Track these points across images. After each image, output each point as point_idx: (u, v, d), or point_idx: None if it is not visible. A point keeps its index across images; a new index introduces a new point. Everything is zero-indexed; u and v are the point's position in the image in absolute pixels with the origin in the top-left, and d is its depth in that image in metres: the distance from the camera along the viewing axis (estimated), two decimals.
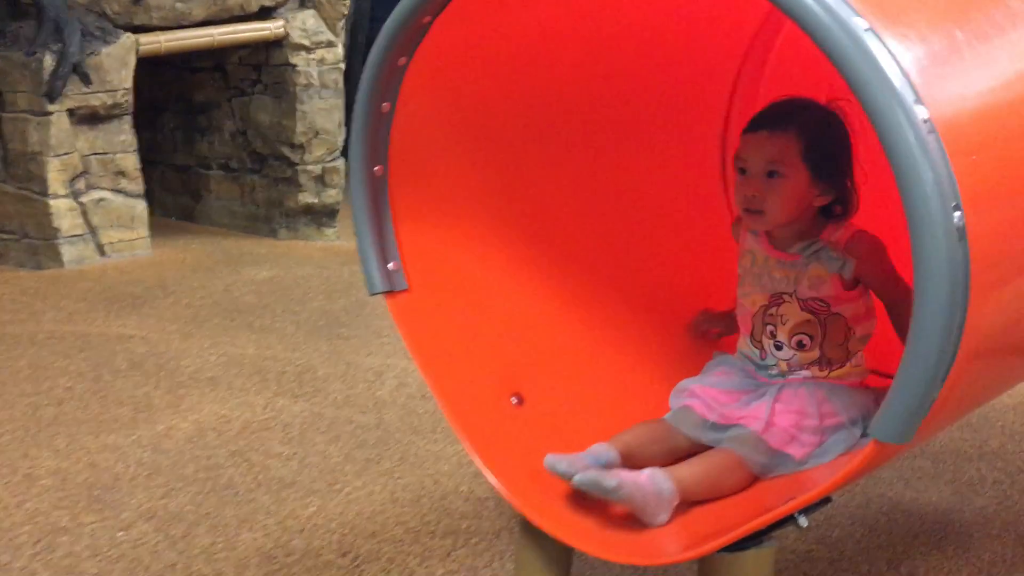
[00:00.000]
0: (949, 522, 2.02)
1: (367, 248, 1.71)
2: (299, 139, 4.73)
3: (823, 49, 1.07)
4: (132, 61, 4.09)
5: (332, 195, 4.88)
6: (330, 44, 4.75)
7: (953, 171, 1.04)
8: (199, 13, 4.27)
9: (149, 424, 2.41)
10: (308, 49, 4.69)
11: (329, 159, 4.85)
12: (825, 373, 1.63)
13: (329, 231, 4.95)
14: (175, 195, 5.15)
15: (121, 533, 1.89)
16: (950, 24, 1.20)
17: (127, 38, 4.06)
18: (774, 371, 1.65)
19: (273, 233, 4.89)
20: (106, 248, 4.09)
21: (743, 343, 1.70)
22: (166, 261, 4.19)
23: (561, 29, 1.71)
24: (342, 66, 4.83)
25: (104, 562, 1.79)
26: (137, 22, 4.12)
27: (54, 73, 3.83)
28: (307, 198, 4.82)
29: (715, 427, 1.60)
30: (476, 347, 1.75)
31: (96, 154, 4.06)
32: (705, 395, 1.65)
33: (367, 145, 1.67)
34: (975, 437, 2.38)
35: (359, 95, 1.63)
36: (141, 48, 4.12)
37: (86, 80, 3.92)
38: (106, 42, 4.00)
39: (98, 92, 3.98)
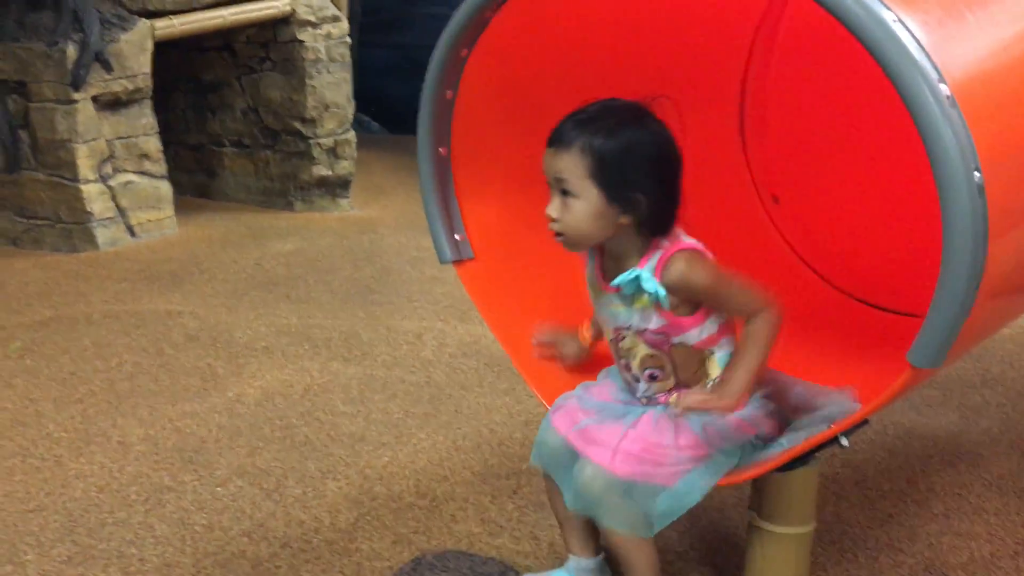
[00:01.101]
0: (959, 443, 2.25)
1: (436, 222, 1.90)
2: (310, 113, 4.87)
3: (858, 38, 1.25)
4: (149, 46, 4.21)
5: (345, 166, 5.04)
6: (335, 19, 4.88)
7: (972, 138, 1.23)
8: None
9: (219, 391, 2.60)
10: (314, 24, 4.81)
11: (340, 132, 4.99)
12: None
13: (343, 201, 5.11)
14: (190, 173, 5.28)
15: (219, 488, 2.10)
16: (962, 8, 1.39)
17: (143, 24, 4.18)
18: (642, 399, 1.60)
19: (289, 206, 5.05)
20: (136, 229, 4.24)
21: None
22: (193, 238, 4.35)
23: (601, 16, 1.88)
24: (348, 40, 4.95)
25: (210, 513, 2.00)
26: (151, 7, 4.23)
27: (77, 62, 3.95)
28: (321, 170, 4.97)
29: (570, 448, 1.56)
30: (538, 305, 1.94)
31: (120, 138, 4.20)
32: (572, 410, 1.62)
33: (433, 129, 1.86)
34: (977, 366, 2.61)
35: (425, 84, 1.81)
36: (157, 33, 4.24)
37: (108, 67, 4.04)
38: (124, 29, 4.12)
39: (119, 78, 4.10)
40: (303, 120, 4.88)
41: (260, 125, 5.03)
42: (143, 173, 4.30)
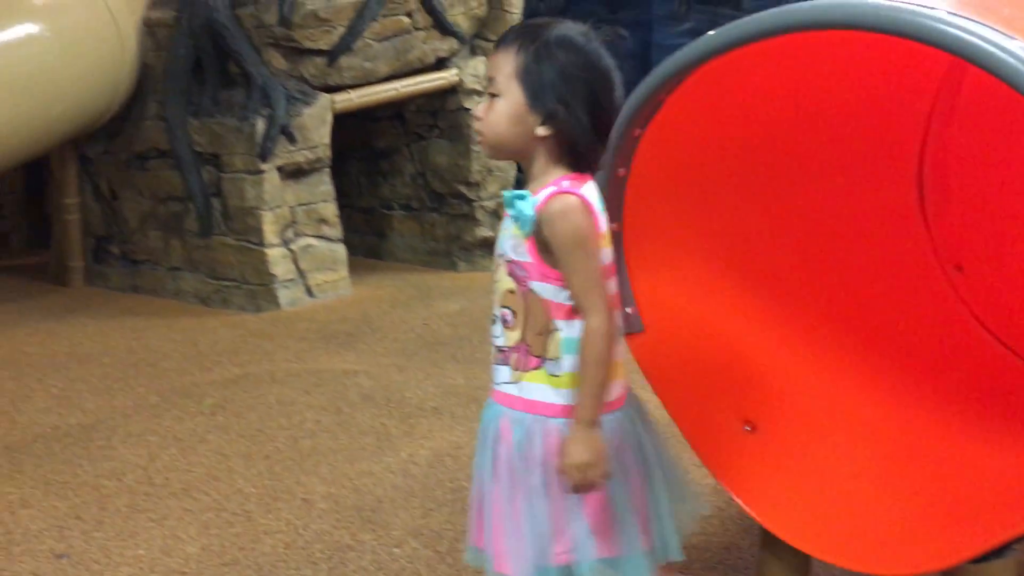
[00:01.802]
0: None
1: None
2: (475, 177, 5.05)
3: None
4: (329, 118, 4.50)
5: None
6: None
7: None
8: (384, 69, 4.65)
9: (393, 451, 2.71)
10: (480, 93, 5.00)
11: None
12: (518, 373, 1.43)
13: None
14: (362, 235, 5.56)
15: (396, 549, 2.18)
16: None
17: (324, 98, 4.48)
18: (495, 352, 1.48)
19: (453, 266, 5.22)
20: (314, 290, 4.50)
21: None
22: (365, 299, 4.57)
23: (773, 88, 1.89)
24: None
25: (388, 574, 2.08)
26: (331, 82, 4.53)
27: (265, 135, 4.27)
28: (483, 232, 5.12)
29: None
30: (708, 379, 1.94)
31: (301, 205, 4.49)
32: None
33: (606, 206, 1.91)
34: None
35: (601, 164, 1.86)
36: (336, 106, 4.53)
37: (292, 139, 4.35)
38: (307, 103, 4.42)
39: (302, 149, 4.40)
40: (467, 184, 5.06)
41: (427, 189, 5.25)
42: (321, 237, 4.57)
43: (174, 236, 4.58)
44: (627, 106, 1.77)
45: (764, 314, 1.99)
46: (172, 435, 2.83)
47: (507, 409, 1.46)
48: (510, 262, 1.43)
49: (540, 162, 1.42)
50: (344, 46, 4.44)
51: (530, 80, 1.37)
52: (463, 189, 5.09)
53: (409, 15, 4.63)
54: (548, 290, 1.40)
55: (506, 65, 1.39)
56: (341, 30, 4.42)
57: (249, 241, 4.36)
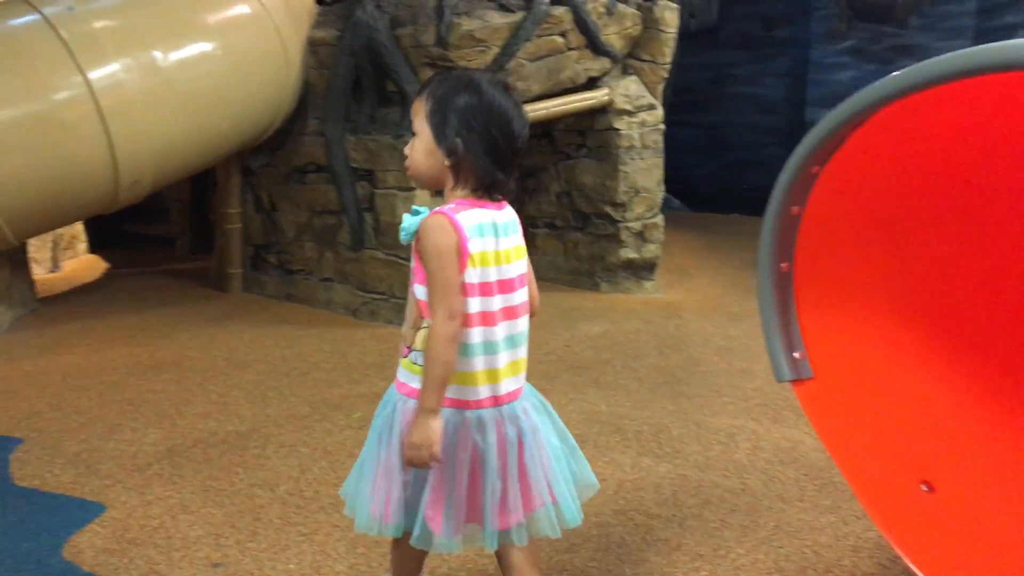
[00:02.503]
0: None
1: (774, 338, 1.84)
2: (621, 198, 4.99)
3: None
4: None
5: (651, 250, 5.09)
6: (651, 107, 4.99)
7: None
8: (536, 88, 4.65)
9: None
10: (630, 113, 4.95)
11: (649, 216, 5.06)
12: (400, 359, 1.70)
13: (648, 284, 5.16)
14: None
15: None
16: None
17: None
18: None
19: (595, 287, 5.17)
20: None
21: None
22: None
23: (962, 128, 1.75)
24: (662, 127, 5.04)
25: None
26: None
27: None
28: (628, 253, 5.05)
29: None
30: (883, 433, 1.82)
31: None
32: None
33: (775, 245, 1.82)
34: None
35: (771, 202, 1.78)
36: None
37: None
38: None
39: None
40: (614, 204, 5.01)
41: (572, 208, 5.23)
42: None
43: (327, 248, 4.73)
44: (805, 143, 1.69)
45: (945, 363, 1.85)
46: (322, 447, 2.90)
47: (392, 386, 1.74)
48: (413, 269, 1.70)
49: (448, 188, 1.67)
50: (498, 66, 4.46)
51: (434, 120, 1.64)
52: (608, 209, 5.04)
53: (563, 35, 4.62)
54: (421, 291, 1.64)
55: (420, 109, 1.66)
56: (496, 50, 4.45)
57: (398, 256, 4.44)
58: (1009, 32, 6.83)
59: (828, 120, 1.63)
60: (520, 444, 1.66)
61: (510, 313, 1.66)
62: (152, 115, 3.96)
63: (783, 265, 1.83)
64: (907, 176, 1.77)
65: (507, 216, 1.68)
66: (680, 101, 7.82)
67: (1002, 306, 1.87)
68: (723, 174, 8.41)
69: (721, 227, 7.56)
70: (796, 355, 1.84)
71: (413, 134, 1.67)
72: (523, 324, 1.70)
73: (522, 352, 1.71)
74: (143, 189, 4.14)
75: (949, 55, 1.47)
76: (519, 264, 1.69)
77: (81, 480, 2.64)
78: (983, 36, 7.08)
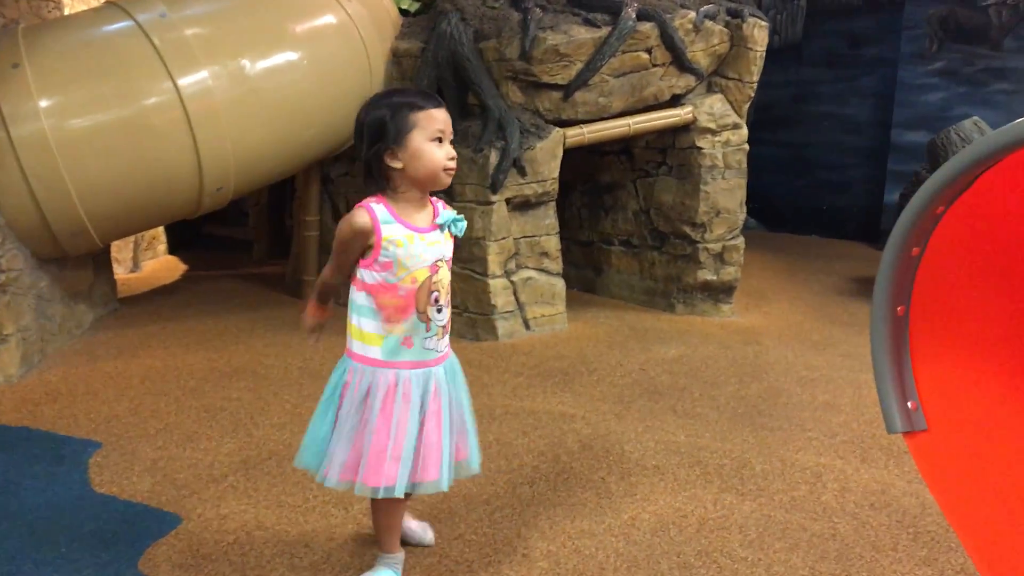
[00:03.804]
0: None
1: (887, 386, 1.73)
2: (701, 218, 4.87)
3: None
4: (560, 153, 4.48)
5: (730, 272, 4.96)
6: (736, 126, 4.87)
7: None
8: (618, 105, 4.58)
9: (614, 512, 2.60)
10: (714, 132, 4.83)
11: (729, 237, 4.94)
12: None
13: (725, 307, 5.03)
14: (578, 268, 5.52)
15: None
16: None
17: (557, 132, 4.46)
18: (433, 340, 2.01)
19: (670, 308, 5.06)
20: (531, 323, 4.48)
21: (406, 324, 1.96)
22: (581, 336, 4.50)
23: None
24: (746, 147, 4.91)
25: None
26: (564, 116, 4.51)
27: (497, 167, 4.30)
28: (706, 275, 4.94)
29: None
30: (1002, 492, 1.70)
31: (525, 237, 4.49)
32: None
33: (892, 287, 1.71)
34: None
35: (890, 242, 1.68)
36: (568, 140, 4.50)
37: (522, 172, 4.36)
38: (540, 137, 4.42)
39: (531, 182, 4.40)
40: (693, 224, 4.90)
41: (650, 227, 5.13)
42: (542, 270, 4.55)
43: None
44: (932, 181, 1.58)
45: None
46: None
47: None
48: (449, 260, 2.08)
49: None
50: (581, 81, 4.41)
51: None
52: (687, 229, 4.93)
53: (649, 51, 4.54)
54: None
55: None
56: (579, 65, 4.39)
57: (473, 271, 4.40)
58: None
59: (960, 158, 1.52)
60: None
61: None
62: (238, 123, 3.99)
63: (899, 308, 1.72)
64: None
65: None
66: (761, 118, 7.66)
67: None
68: (803, 194, 8.21)
69: (800, 249, 7.38)
70: (910, 405, 1.73)
71: (453, 143, 1.99)
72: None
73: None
74: (226, 196, 4.17)
75: None
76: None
77: (158, 489, 2.64)
78: None
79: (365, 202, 1.95)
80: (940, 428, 1.73)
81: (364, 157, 1.93)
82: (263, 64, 4.11)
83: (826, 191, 8.05)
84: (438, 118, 1.92)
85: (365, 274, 1.96)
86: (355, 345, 1.99)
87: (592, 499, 2.69)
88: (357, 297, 1.99)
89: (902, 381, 1.74)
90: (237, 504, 2.57)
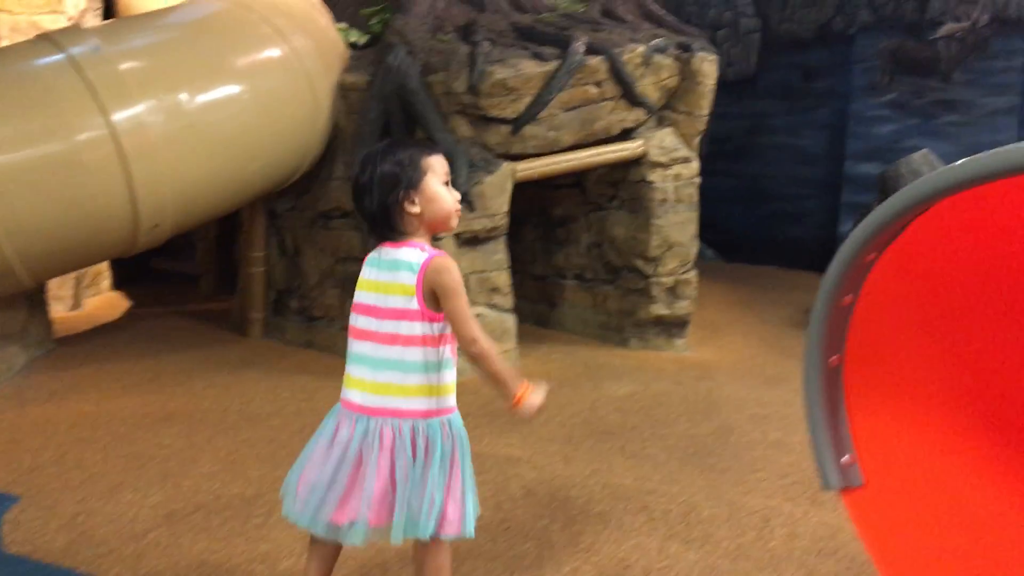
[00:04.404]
0: None
1: (821, 441, 1.67)
2: (653, 252, 4.83)
3: None
4: (509, 187, 4.42)
5: (683, 307, 4.91)
6: (686, 160, 4.84)
7: None
8: (568, 139, 4.53)
9: (554, 565, 2.50)
10: (665, 166, 4.80)
11: (682, 271, 4.89)
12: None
13: (679, 342, 4.98)
14: (532, 302, 5.44)
15: None
16: None
17: (506, 166, 4.40)
18: None
19: (624, 343, 5.00)
20: None
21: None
22: (532, 373, 4.40)
23: None
24: (698, 180, 4.89)
25: None
26: (514, 151, 4.45)
27: None
28: (659, 309, 4.88)
29: None
30: (939, 549, 1.64)
31: (475, 272, 4.40)
32: None
33: (825, 337, 1.65)
34: None
35: (821, 291, 1.62)
36: (517, 175, 4.44)
37: (471, 207, 4.28)
38: (488, 171, 4.36)
39: (480, 217, 4.33)
40: (645, 258, 4.85)
41: (603, 261, 5.08)
42: (492, 306, 4.47)
43: (350, 296, 4.59)
44: (861, 228, 1.53)
45: (1012, 474, 1.66)
46: None
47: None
48: None
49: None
50: (530, 115, 4.36)
51: None
52: (639, 263, 4.88)
53: (598, 85, 4.51)
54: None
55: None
56: (528, 99, 4.34)
57: None
58: None
59: (889, 205, 1.47)
60: (360, 454, 1.89)
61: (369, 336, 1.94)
62: (175, 158, 3.88)
63: (833, 359, 1.66)
64: (969, 268, 1.60)
65: (389, 255, 1.94)
66: (717, 150, 7.69)
67: None
68: (759, 225, 8.23)
69: (755, 280, 7.37)
70: (844, 459, 1.66)
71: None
72: (384, 351, 1.90)
73: (381, 376, 1.90)
74: (163, 233, 4.05)
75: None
76: (392, 298, 1.92)
77: (74, 548, 2.50)
78: None
79: (429, 249, 1.93)
80: (876, 482, 1.66)
81: (376, 207, 1.91)
82: (202, 98, 4.01)
83: (782, 222, 8.08)
84: (444, 163, 1.97)
85: (435, 327, 1.90)
86: (432, 403, 1.93)
87: (533, 550, 2.59)
88: (441, 352, 1.91)
89: (837, 434, 1.68)
90: (157, 562, 2.44)
